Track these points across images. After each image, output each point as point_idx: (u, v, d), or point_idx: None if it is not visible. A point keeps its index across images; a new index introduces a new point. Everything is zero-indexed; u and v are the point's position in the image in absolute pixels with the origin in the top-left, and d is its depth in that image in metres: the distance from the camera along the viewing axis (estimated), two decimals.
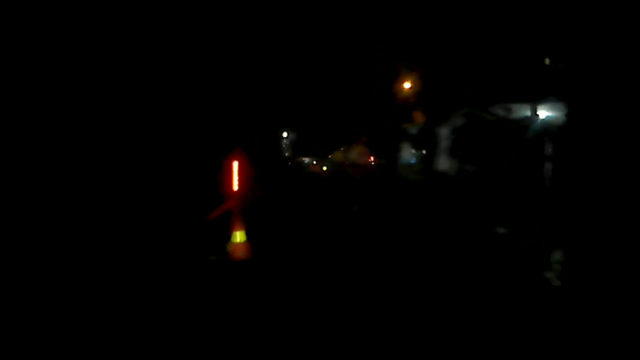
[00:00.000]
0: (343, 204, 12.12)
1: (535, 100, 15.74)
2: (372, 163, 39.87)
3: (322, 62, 24.90)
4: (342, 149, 45.10)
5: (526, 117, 16.39)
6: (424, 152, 26.88)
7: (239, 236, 6.53)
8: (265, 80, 16.52)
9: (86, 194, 7.33)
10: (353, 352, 3.76)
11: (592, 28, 10.84)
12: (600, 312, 4.38)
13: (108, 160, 7.97)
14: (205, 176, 7.47)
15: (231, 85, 11.52)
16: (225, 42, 11.00)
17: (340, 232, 8.90)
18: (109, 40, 8.19)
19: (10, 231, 6.02)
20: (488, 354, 3.71)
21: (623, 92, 9.21)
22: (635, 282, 5.20)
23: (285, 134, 28.79)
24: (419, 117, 26.60)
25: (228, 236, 6.56)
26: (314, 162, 30.47)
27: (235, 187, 6.68)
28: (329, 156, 43.03)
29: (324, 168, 23.69)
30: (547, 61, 16.28)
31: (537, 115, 16.25)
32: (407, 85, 28.44)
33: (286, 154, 29.58)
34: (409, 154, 30.58)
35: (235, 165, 6.71)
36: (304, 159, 34.40)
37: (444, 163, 20.43)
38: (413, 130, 26.17)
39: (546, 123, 16.50)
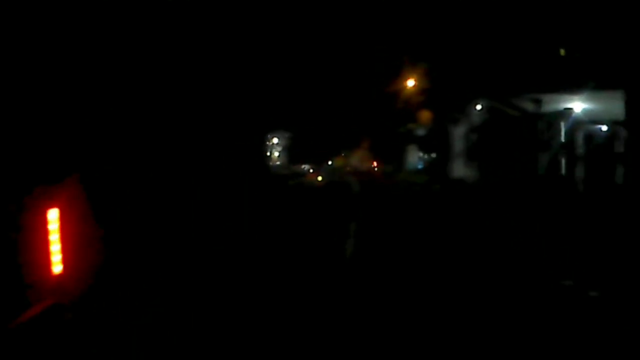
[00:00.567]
0: (338, 228, 9.21)
1: (569, 89, 13.01)
2: (376, 169, 37.55)
3: (318, 57, 22.29)
4: (342, 154, 42.81)
5: (559, 112, 13.79)
6: (432, 155, 24.30)
7: None
8: (251, 73, 13.95)
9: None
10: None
11: None
12: None
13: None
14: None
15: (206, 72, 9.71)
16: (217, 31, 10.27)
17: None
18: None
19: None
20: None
21: None
22: None
23: (275, 139, 26.08)
24: (425, 116, 24.37)
25: None
26: (311, 171, 27.75)
27: (57, 267, 3.07)
28: (329, 162, 40.61)
29: (319, 178, 20.90)
30: (562, 52, 14.11)
31: (571, 109, 13.64)
32: (410, 82, 26.14)
33: (277, 162, 26.83)
34: (415, 158, 28.00)
35: (54, 218, 3.04)
36: (302, 166, 31.62)
37: (460, 168, 17.71)
38: (420, 131, 23.54)
39: (583, 117, 13.92)
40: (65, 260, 2.99)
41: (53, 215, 2.95)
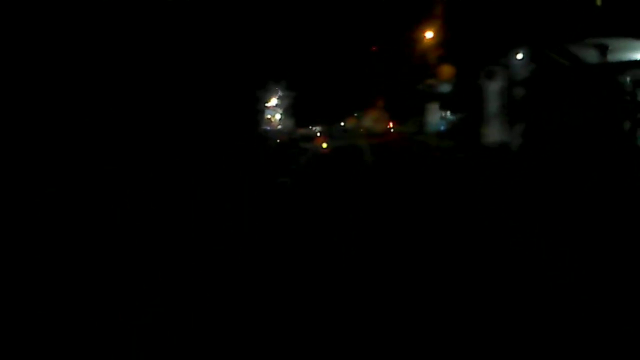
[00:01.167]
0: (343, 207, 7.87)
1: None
2: (392, 130, 34.40)
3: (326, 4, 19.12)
4: (355, 115, 39.56)
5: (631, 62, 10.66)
6: (457, 116, 21.15)
7: None
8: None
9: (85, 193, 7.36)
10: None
11: None
12: None
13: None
14: None
15: None
16: None
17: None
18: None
19: (10, 231, 6.08)
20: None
21: None
22: None
23: (274, 100, 22.95)
24: (447, 71, 21.17)
25: None
26: (318, 134, 24.71)
27: None
28: (342, 124, 37.47)
29: (324, 145, 17.61)
30: (598, 2, 11.06)
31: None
32: (429, 34, 22.87)
33: (278, 126, 23.75)
34: (436, 119, 24.77)
35: None
36: (314, 128, 28.55)
37: (494, 132, 14.67)
38: (443, 87, 20.35)
39: None
40: None
41: None
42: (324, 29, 21.53)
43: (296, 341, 3.74)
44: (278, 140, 17.93)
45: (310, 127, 29.21)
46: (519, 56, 13.27)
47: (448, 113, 23.34)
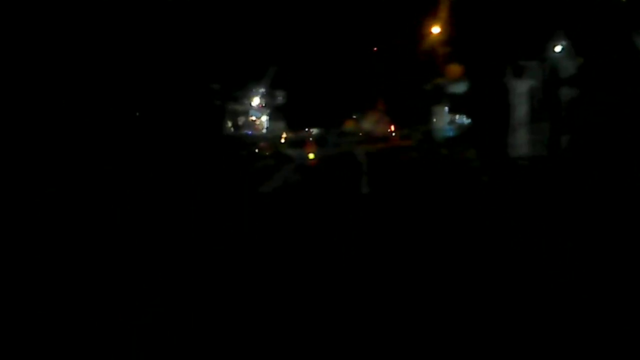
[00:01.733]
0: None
1: None
2: (393, 134, 32.04)
3: None
4: (354, 117, 37.16)
5: None
6: (467, 119, 18.72)
7: None
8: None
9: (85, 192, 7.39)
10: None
11: None
12: None
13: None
14: None
15: None
16: None
17: None
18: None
19: (10, 231, 6.20)
20: None
21: None
22: None
23: (256, 100, 20.41)
24: (454, 70, 18.93)
25: None
26: (310, 139, 22.21)
27: None
28: (343, 127, 35.18)
29: (311, 156, 14.51)
30: None
31: None
32: (435, 29, 20.56)
33: (263, 129, 21.18)
34: (444, 123, 22.26)
35: None
36: (311, 130, 26.01)
37: (523, 141, 12.07)
38: (456, 87, 17.86)
39: None
40: None
41: None
42: (317, 23, 19.16)
43: (295, 340, 3.92)
44: (256, 150, 15.29)
45: (306, 129, 26.73)
46: (558, 48, 10.64)
47: (458, 117, 20.97)
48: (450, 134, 20.08)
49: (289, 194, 10.05)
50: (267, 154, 15.62)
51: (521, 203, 8.07)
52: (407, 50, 23.76)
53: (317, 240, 6.86)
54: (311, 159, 14.54)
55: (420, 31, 21.84)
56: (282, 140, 21.05)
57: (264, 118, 21.36)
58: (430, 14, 20.00)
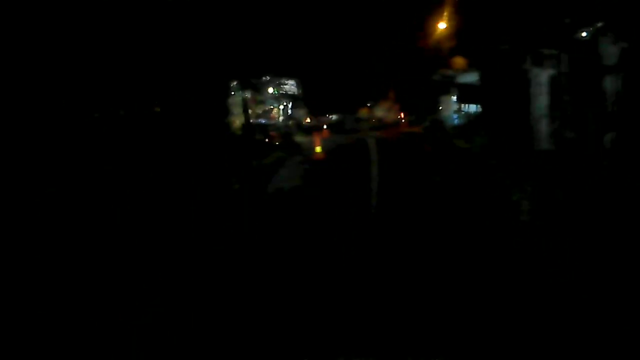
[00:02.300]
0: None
1: None
2: (403, 121, 32.86)
3: None
4: (368, 105, 38.13)
5: None
6: (477, 108, 19.03)
7: None
8: None
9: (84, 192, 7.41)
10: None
11: None
12: None
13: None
14: None
15: None
16: None
17: None
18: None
19: (11, 231, 6.08)
20: None
21: None
22: None
23: (270, 89, 21.32)
24: (461, 62, 19.73)
25: None
26: (325, 127, 22.91)
27: None
28: (359, 114, 36.29)
29: (318, 149, 13.60)
30: None
31: None
32: (442, 25, 21.18)
33: (277, 118, 22.04)
34: (451, 111, 22.89)
35: None
36: (329, 116, 26.96)
37: (543, 136, 10.22)
38: (466, 77, 18.41)
39: None
40: None
41: None
42: (330, 18, 20.00)
43: (295, 340, 3.73)
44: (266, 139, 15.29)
45: (327, 115, 27.78)
46: (584, 34, 9.35)
47: (466, 106, 21.38)
48: (457, 122, 20.71)
49: (295, 193, 9.41)
50: (276, 143, 15.48)
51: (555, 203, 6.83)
52: (417, 42, 24.48)
53: (322, 241, 6.40)
54: (318, 153, 13.50)
55: (432, 22, 22.46)
56: (303, 124, 21.36)
57: (282, 107, 22.29)
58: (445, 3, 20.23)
